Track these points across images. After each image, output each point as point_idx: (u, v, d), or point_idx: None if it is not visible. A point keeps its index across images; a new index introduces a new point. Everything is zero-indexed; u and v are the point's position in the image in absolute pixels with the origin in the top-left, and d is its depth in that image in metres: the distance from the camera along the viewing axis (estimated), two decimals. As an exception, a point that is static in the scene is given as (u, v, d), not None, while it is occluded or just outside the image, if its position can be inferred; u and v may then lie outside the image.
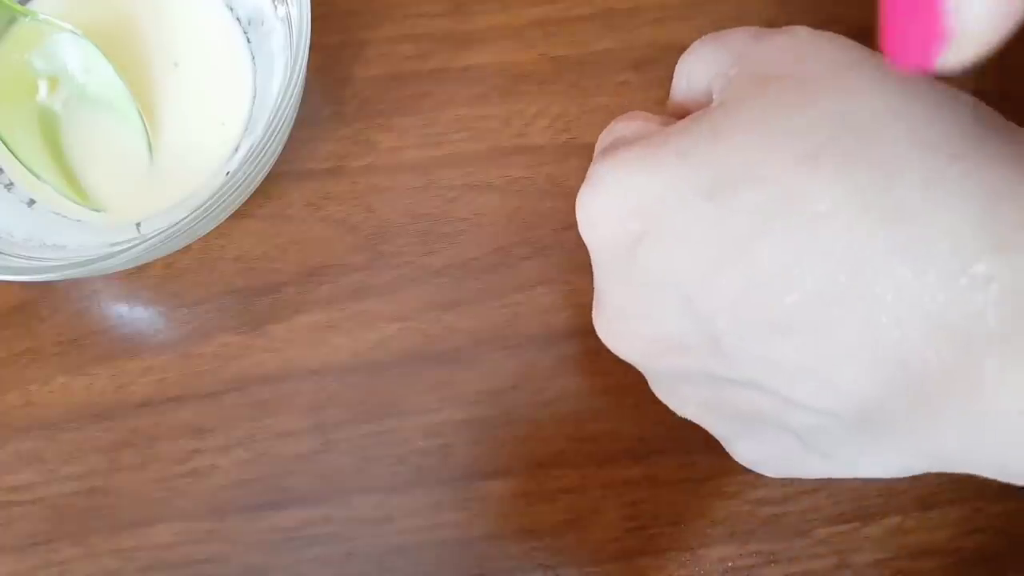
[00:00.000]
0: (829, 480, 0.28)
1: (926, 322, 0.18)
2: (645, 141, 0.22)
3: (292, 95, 0.27)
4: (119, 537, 0.28)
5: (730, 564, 0.28)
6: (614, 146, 0.24)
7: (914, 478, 0.28)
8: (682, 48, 0.25)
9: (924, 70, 0.16)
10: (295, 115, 0.28)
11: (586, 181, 0.23)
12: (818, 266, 0.19)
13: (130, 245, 0.25)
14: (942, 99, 0.20)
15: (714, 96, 0.23)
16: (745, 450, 0.24)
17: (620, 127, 0.24)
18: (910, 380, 0.19)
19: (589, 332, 0.29)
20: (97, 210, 0.30)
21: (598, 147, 0.25)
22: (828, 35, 0.22)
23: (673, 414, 0.26)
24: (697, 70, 0.24)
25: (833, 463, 0.23)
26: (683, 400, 0.25)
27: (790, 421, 0.22)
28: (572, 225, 0.30)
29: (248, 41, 0.31)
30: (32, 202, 0.30)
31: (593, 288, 0.24)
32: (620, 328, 0.24)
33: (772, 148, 0.20)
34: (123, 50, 0.30)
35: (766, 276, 0.20)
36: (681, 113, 0.25)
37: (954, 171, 0.19)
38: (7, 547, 0.28)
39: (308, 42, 0.27)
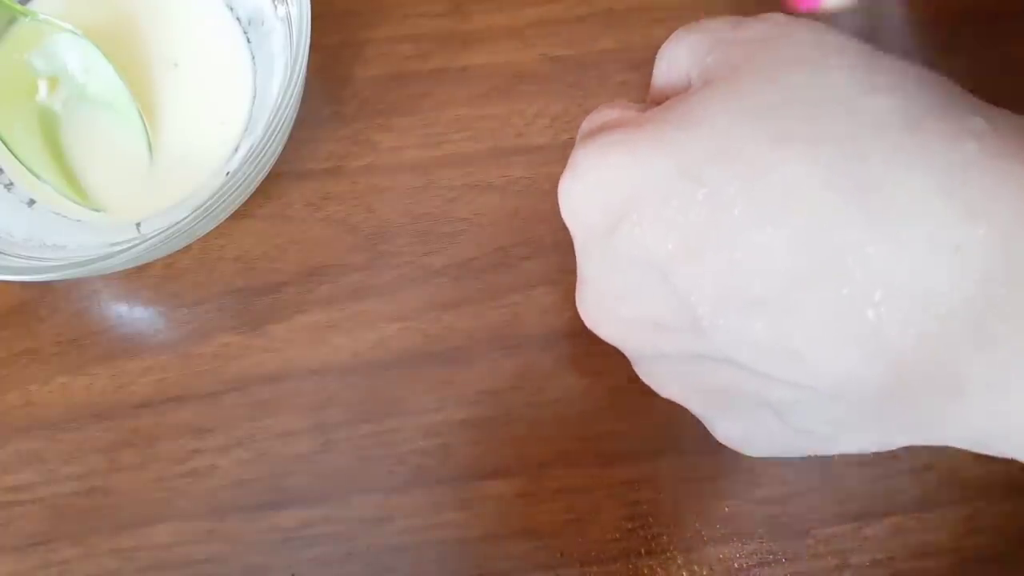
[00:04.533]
0: (828, 480, 0.28)
1: (896, 295, 0.19)
2: (623, 127, 0.23)
3: (292, 95, 0.27)
4: (119, 537, 0.28)
5: (730, 564, 0.28)
6: (594, 133, 0.24)
7: (914, 478, 0.28)
8: (681, 48, 0.25)
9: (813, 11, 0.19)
10: (295, 115, 0.28)
11: (567, 167, 0.23)
12: (791, 243, 0.19)
13: (130, 245, 0.25)
14: (909, 73, 0.21)
15: (692, 82, 0.23)
16: (726, 429, 0.25)
17: (601, 114, 0.25)
18: (882, 353, 0.19)
19: (589, 332, 0.29)
20: (97, 210, 0.30)
21: (580, 134, 0.25)
22: (802, 20, 0.23)
23: (674, 416, 0.26)
24: (676, 57, 0.25)
25: (812, 439, 0.23)
26: (664, 380, 0.25)
27: (768, 397, 0.22)
28: (572, 225, 0.31)
29: (248, 41, 0.31)
30: (32, 202, 0.30)
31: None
32: (601, 310, 0.24)
33: (744, 129, 0.20)
34: (123, 50, 0.30)
35: (741, 254, 0.20)
36: (661, 100, 0.25)
37: (916, 142, 0.19)
38: (7, 547, 0.28)
39: (308, 42, 0.27)
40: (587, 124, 0.25)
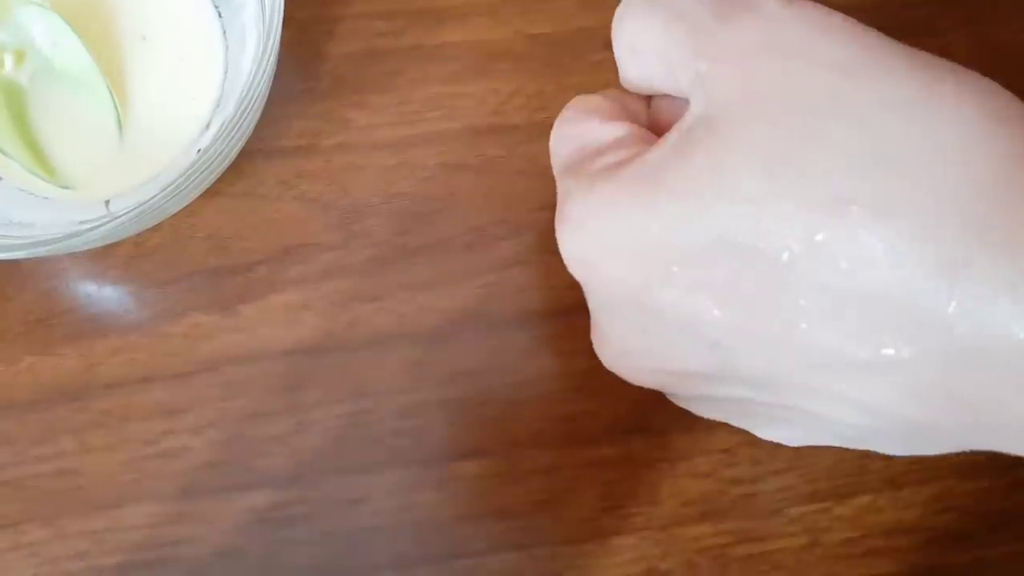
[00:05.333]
0: (801, 460, 0.28)
1: (977, 360, 0.18)
2: (632, 172, 0.21)
3: (265, 70, 0.26)
4: (89, 519, 0.28)
5: (704, 543, 0.28)
6: (583, 162, 0.22)
7: (885, 458, 0.28)
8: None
9: None
10: (268, 91, 0.28)
11: (568, 217, 0.22)
12: (866, 313, 0.19)
13: (99, 223, 0.25)
14: (972, 116, 0.19)
15: (689, 97, 0.21)
16: (770, 435, 0.24)
17: (584, 132, 0.23)
18: (958, 408, 0.19)
19: (564, 312, 0.29)
20: (65, 187, 0.29)
21: (559, 153, 0.23)
22: (803, 10, 0.20)
23: (648, 395, 0.26)
24: (643, 41, 0.22)
25: (869, 447, 0.23)
26: (703, 410, 0.25)
27: (830, 429, 0.22)
28: (548, 205, 0.30)
29: (219, 14, 0.31)
30: (-2, 179, 0.29)
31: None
32: (633, 363, 0.23)
33: (786, 194, 0.19)
34: (91, 23, 0.30)
35: (806, 325, 0.19)
36: (639, 91, 0.24)
37: (999, 216, 0.18)
38: (-26, 529, 0.28)
39: (281, 16, 0.27)
40: (565, 144, 0.23)
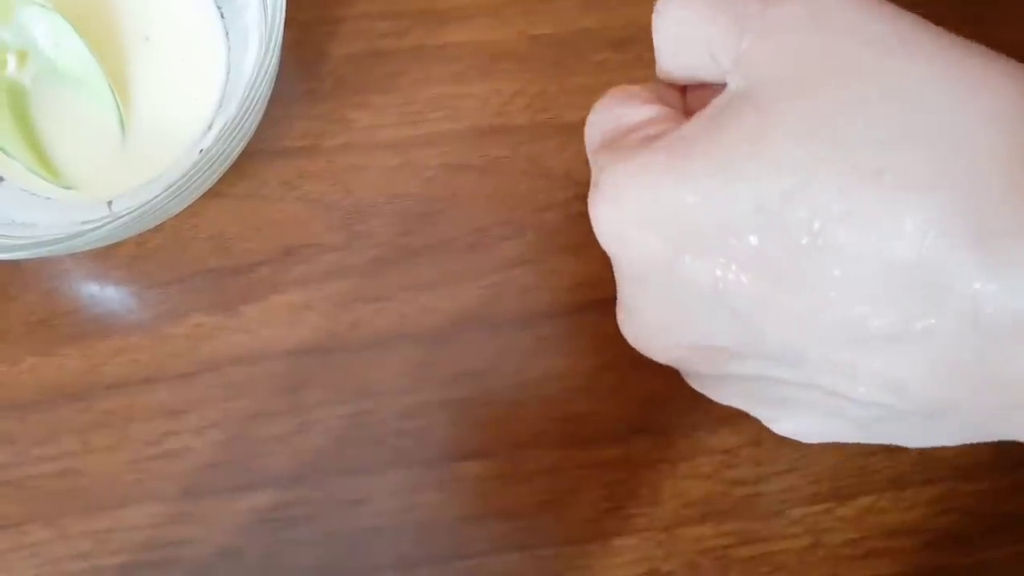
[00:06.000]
0: (803, 461, 0.28)
1: (1006, 336, 0.18)
2: (667, 142, 0.21)
3: (267, 71, 0.26)
4: (92, 519, 0.28)
5: (706, 544, 0.28)
6: (619, 139, 0.22)
7: (887, 458, 0.28)
8: (662, 27, 0.25)
9: None
10: (270, 92, 0.28)
11: (601, 188, 0.22)
12: (897, 285, 0.19)
13: (101, 223, 0.25)
14: (1010, 93, 0.19)
15: (727, 74, 0.21)
16: (788, 429, 0.24)
17: (621, 113, 0.23)
18: (988, 387, 0.19)
19: (567, 313, 0.29)
20: (68, 188, 0.29)
21: (595, 135, 0.23)
22: None
23: (651, 397, 0.26)
24: (687, 34, 0.22)
25: (887, 438, 0.22)
26: (725, 393, 0.24)
27: (850, 412, 0.21)
28: (551, 205, 0.30)
29: (222, 15, 0.31)
30: (1, 179, 0.29)
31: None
32: (656, 338, 0.23)
33: (826, 162, 0.19)
34: (93, 23, 0.30)
35: (836, 295, 0.19)
36: (677, 82, 0.23)
37: None
38: (-23, 529, 0.28)
39: (283, 16, 0.27)
40: (602, 120, 0.23)
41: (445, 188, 0.31)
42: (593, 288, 0.29)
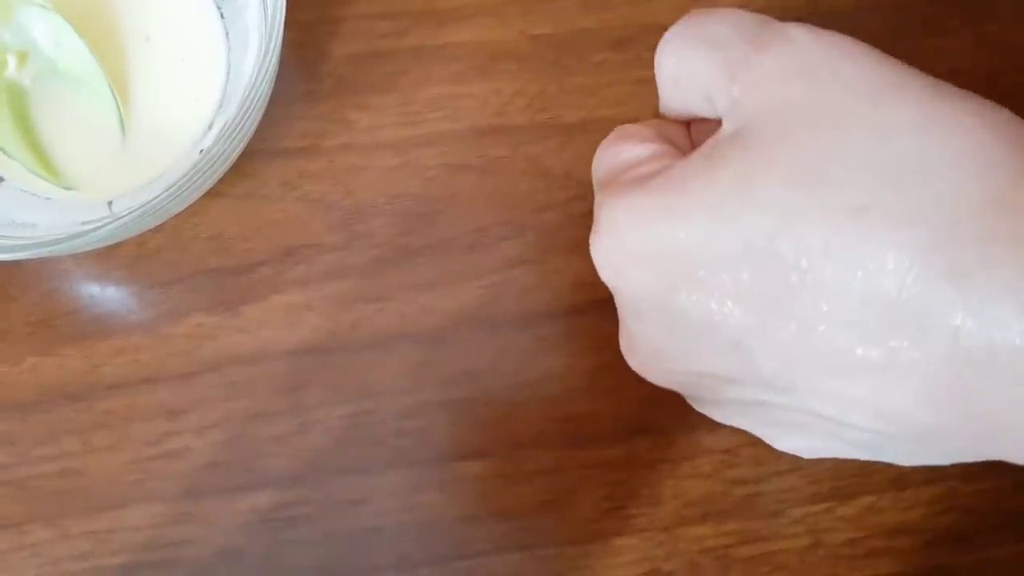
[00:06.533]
0: (803, 461, 0.28)
1: (982, 368, 0.19)
2: (661, 181, 0.22)
3: (267, 71, 0.26)
4: (92, 519, 0.28)
5: (706, 543, 0.28)
6: (617, 176, 0.23)
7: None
8: (661, 27, 0.25)
9: None
10: (270, 92, 0.28)
11: (600, 224, 0.23)
12: (882, 318, 0.19)
13: (101, 224, 0.25)
14: (981, 135, 0.20)
15: (721, 118, 0.22)
16: (787, 446, 0.25)
17: (619, 151, 0.24)
18: (973, 415, 0.19)
19: (567, 313, 0.29)
20: (68, 188, 0.29)
21: (598, 173, 0.24)
22: (830, 40, 0.22)
23: (651, 397, 0.26)
24: (685, 74, 0.23)
25: (883, 457, 0.23)
26: (726, 415, 0.25)
27: (843, 435, 0.22)
28: (550, 206, 0.31)
29: (222, 15, 0.31)
30: (1, 180, 0.29)
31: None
32: (658, 366, 0.24)
33: (811, 202, 0.20)
34: (93, 23, 0.30)
35: (825, 328, 0.20)
36: (679, 117, 0.24)
37: (1006, 228, 0.19)
38: (-22, 530, 0.28)
39: (283, 17, 0.27)
40: (604, 160, 0.24)
41: (445, 188, 0.31)
42: (593, 288, 0.29)
